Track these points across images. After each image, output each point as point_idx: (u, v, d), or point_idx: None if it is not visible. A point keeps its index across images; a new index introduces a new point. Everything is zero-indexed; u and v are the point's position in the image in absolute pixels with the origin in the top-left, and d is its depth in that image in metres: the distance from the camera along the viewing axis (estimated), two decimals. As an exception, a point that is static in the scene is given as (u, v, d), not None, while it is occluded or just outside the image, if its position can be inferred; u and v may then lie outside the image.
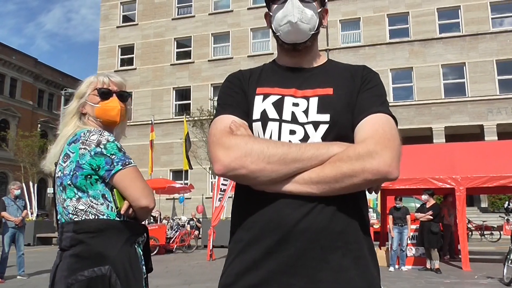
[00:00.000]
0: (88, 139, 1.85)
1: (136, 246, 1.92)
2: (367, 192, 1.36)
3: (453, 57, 26.72)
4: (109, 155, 1.85)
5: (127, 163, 1.88)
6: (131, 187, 1.87)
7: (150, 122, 24.95)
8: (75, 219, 1.81)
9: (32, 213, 20.39)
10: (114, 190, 1.87)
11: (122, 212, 1.87)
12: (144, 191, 1.90)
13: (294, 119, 1.32)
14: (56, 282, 1.79)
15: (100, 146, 1.85)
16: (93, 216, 1.83)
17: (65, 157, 1.89)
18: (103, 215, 1.84)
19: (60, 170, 1.88)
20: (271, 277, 1.21)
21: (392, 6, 28.29)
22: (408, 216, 10.84)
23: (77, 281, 1.74)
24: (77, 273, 1.74)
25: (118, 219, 1.87)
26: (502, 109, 25.29)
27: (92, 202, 1.83)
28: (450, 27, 27.45)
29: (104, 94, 2.03)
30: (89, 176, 1.84)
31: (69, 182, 1.84)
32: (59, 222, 1.92)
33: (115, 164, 1.85)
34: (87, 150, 1.84)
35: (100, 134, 1.88)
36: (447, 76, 27.02)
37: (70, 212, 1.83)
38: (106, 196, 1.86)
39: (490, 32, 26.45)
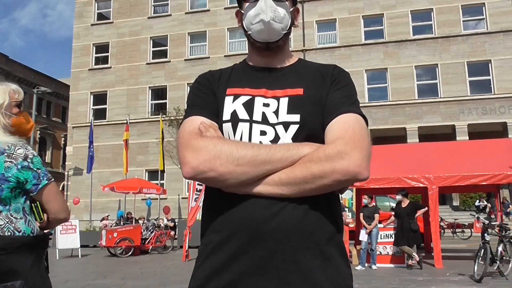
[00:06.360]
0: (15, 153, 1.84)
1: (44, 260, 1.94)
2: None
3: (426, 58, 27.21)
4: (35, 169, 1.88)
5: (50, 177, 1.93)
6: (54, 200, 1.95)
7: (126, 121, 24.62)
8: None
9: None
10: (37, 203, 1.89)
11: (43, 224, 1.92)
12: (64, 205, 2.02)
13: (264, 120, 1.30)
14: None
15: (27, 160, 1.86)
16: (9, 233, 1.80)
17: None
18: (20, 231, 1.83)
19: None
20: (240, 278, 1.19)
21: (367, 8, 28.62)
22: (376, 215, 10.93)
23: None
24: None
25: (32, 235, 1.87)
26: (473, 110, 25.88)
27: (12, 216, 1.82)
28: (423, 29, 27.92)
29: (20, 105, 2.02)
30: (14, 189, 1.83)
31: None
32: None
33: (41, 178, 1.90)
34: (13, 164, 1.83)
35: (26, 148, 1.88)
36: (421, 77, 27.50)
37: None
38: (26, 209, 1.87)
39: (461, 35, 27.02)
